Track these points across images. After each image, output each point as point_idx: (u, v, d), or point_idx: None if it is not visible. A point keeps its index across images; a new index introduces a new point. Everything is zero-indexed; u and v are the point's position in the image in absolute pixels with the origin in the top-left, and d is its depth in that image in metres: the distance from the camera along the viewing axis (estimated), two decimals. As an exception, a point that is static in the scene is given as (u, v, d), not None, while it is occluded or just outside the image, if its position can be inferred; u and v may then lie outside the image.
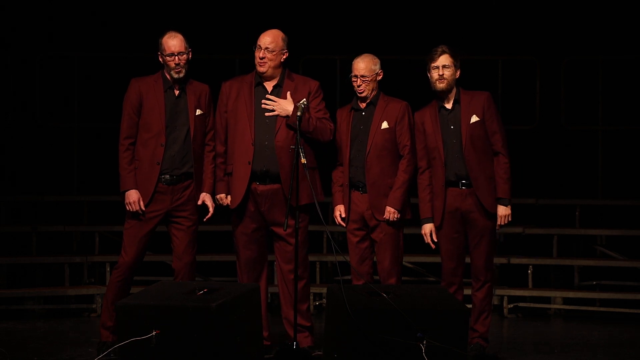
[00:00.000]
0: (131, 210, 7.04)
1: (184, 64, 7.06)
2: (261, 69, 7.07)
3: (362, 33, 10.98)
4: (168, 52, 7.04)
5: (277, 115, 7.05)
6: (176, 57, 7.04)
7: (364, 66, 7.14)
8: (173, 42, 7.05)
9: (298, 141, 6.85)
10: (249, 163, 7.06)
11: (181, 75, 7.06)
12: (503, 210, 7.07)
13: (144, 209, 7.03)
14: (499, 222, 7.09)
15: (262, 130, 7.07)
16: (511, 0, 11.00)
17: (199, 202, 7.12)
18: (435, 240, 7.15)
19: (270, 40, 7.05)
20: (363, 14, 11.08)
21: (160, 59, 7.11)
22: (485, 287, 7.14)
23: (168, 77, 7.11)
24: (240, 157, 7.09)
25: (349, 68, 7.30)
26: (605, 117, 10.96)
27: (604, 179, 10.88)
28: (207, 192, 7.14)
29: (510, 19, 10.99)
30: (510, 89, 11.07)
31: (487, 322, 7.14)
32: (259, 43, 7.07)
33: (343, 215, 7.24)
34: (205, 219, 7.15)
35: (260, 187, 7.09)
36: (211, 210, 7.14)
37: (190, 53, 7.10)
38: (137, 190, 7.04)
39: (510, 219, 7.11)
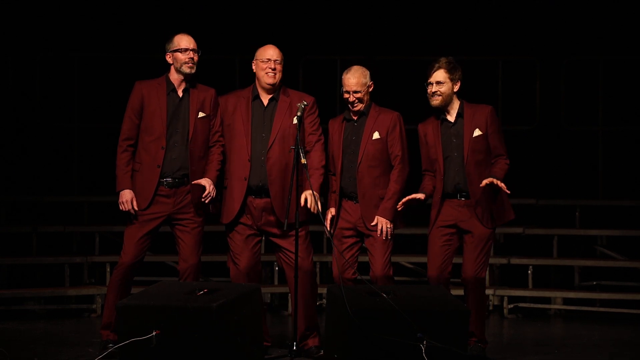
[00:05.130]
0: (123, 209, 7.05)
1: (196, 61, 7.08)
2: (273, 80, 7.09)
3: (362, 33, 10.98)
4: (183, 46, 7.05)
5: (271, 130, 7.07)
6: (190, 52, 7.06)
7: (356, 82, 7.15)
8: (187, 39, 7.09)
9: (298, 141, 6.85)
10: (245, 179, 7.07)
11: (193, 71, 7.06)
12: (497, 180, 6.99)
13: (136, 208, 7.03)
14: (497, 181, 6.96)
15: (258, 145, 7.09)
16: (511, 0, 11.00)
17: (193, 182, 7.07)
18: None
19: (277, 53, 7.11)
20: (363, 14, 11.08)
21: (169, 59, 7.10)
22: (478, 290, 7.11)
23: (176, 77, 7.09)
24: (237, 173, 7.10)
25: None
26: (605, 117, 10.96)
27: (604, 179, 10.88)
28: (208, 178, 7.10)
29: (510, 19, 11.00)
30: (510, 89, 11.08)
31: (482, 324, 7.13)
32: (266, 57, 7.08)
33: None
34: (204, 197, 7.05)
35: (256, 201, 7.10)
36: (208, 188, 7.06)
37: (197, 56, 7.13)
38: (131, 191, 7.05)
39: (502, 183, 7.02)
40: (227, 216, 7.15)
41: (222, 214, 7.20)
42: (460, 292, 7.20)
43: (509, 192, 6.95)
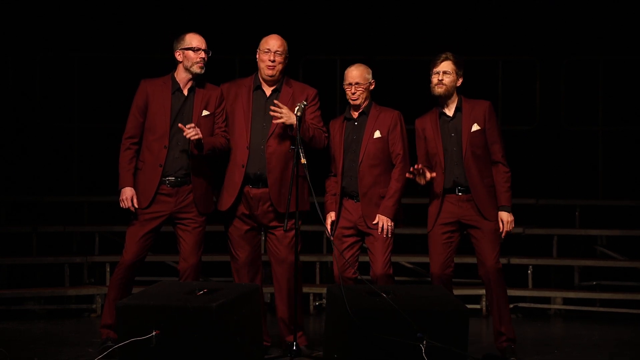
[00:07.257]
0: (123, 207, 7.06)
1: (206, 61, 7.08)
2: (272, 72, 7.09)
3: (362, 34, 10.98)
4: (195, 45, 7.06)
5: (272, 120, 7.06)
6: (202, 52, 7.07)
7: (358, 74, 7.18)
8: (199, 38, 7.10)
9: (298, 141, 6.85)
10: (243, 166, 7.08)
11: (202, 71, 7.07)
12: (507, 216, 7.07)
13: (136, 206, 7.04)
14: (505, 228, 7.06)
15: (258, 133, 7.09)
16: (511, 0, 11.00)
17: (179, 125, 6.98)
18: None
19: (279, 43, 7.09)
20: (363, 14, 11.08)
21: (179, 56, 7.10)
22: (500, 282, 7.09)
23: (183, 76, 7.09)
24: (235, 160, 7.11)
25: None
26: (605, 117, 10.96)
27: (604, 179, 10.88)
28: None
29: (510, 19, 11.00)
30: (510, 89, 11.08)
31: (509, 320, 7.12)
32: (267, 47, 7.08)
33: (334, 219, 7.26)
34: (186, 132, 6.89)
35: (253, 191, 7.10)
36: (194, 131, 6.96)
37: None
38: (131, 188, 7.05)
39: (513, 225, 7.10)
40: (224, 203, 7.15)
41: (219, 202, 7.19)
42: (461, 292, 7.21)
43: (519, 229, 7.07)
